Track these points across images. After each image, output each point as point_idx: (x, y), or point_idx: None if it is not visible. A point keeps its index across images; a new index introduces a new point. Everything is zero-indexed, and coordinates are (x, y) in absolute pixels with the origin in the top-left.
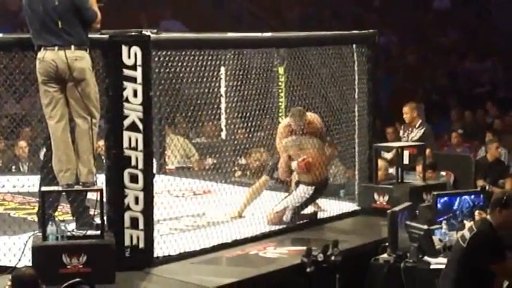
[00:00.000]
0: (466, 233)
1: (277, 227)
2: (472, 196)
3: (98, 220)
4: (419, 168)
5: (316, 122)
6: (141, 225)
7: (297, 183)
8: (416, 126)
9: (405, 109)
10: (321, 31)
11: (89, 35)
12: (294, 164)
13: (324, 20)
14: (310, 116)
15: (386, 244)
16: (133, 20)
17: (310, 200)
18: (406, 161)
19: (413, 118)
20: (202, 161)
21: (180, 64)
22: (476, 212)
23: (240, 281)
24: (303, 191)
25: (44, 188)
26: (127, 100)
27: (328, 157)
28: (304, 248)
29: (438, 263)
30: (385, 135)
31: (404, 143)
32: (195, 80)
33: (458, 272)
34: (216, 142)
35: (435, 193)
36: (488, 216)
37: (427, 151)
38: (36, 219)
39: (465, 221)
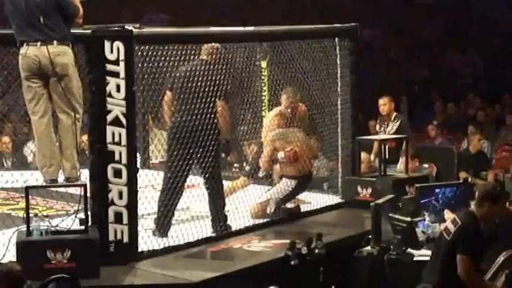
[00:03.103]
0: (450, 226)
1: (261, 221)
2: (454, 188)
3: (82, 215)
4: (402, 160)
5: (306, 112)
6: (125, 220)
7: (280, 177)
8: (392, 119)
9: (383, 101)
10: (303, 24)
11: (72, 30)
12: (281, 154)
13: (306, 13)
14: (301, 105)
15: (370, 236)
16: (116, 14)
17: (294, 193)
18: (386, 154)
19: (391, 110)
20: None
21: (163, 59)
22: (445, 211)
23: (225, 274)
24: (286, 184)
25: (28, 184)
26: (110, 95)
27: (312, 150)
28: (288, 241)
29: (421, 255)
30: (367, 128)
31: (387, 136)
32: (178, 74)
33: (444, 264)
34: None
35: (418, 185)
36: (473, 208)
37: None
38: (20, 214)
39: (446, 210)
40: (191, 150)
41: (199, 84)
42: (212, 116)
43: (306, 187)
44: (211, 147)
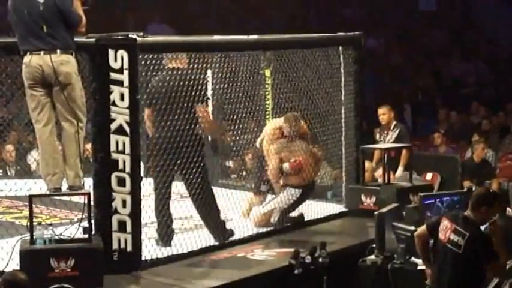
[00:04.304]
0: (456, 238)
1: (264, 229)
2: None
3: (85, 224)
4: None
5: (306, 128)
6: (128, 229)
7: (284, 186)
8: (391, 128)
9: (382, 110)
10: (306, 33)
11: (76, 39)
12: (286, 166)
13: (309, 22)
14: (303, 125)
15: (374, 245)
16: (121, 23)
17: (298, 202)
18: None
19: (391, 119)
20: None
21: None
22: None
23: (228, 283)
24: (290, 194)
25: (31, 193)
26: (114, 104)
27: (316, 160)
28: (292, 250)
29: None
30: (372, 136)
31: (391, 145)
32: (182, 83)
33: (457, 276)
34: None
35: (422, 194)
36: (469, 213)
37: (403, 152)
38: (23, 223)
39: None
40: (173, 161)
41: (172, 94)
42: (191, 123)
43: (309, 196)
44: (192, 155)
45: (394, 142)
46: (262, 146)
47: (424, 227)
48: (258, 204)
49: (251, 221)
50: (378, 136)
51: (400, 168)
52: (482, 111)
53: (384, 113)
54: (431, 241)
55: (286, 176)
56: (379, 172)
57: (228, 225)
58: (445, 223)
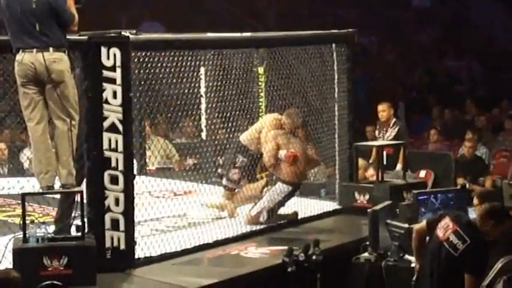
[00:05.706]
0: (456, 241)
1: (258, 227)
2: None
3: (78, 222)
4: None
5: (305, 133)
6: (121, 227)
7: (275, 181)
8: (391, 125)
9: (382, 107)
10: (299, 30)
11: (68, 37)
12: (282, 153)
13: (302, 19)
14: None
15: (368, 243)
16: (114, 21)
17: (286, 199)
18: (384, 160)
19: (390, 116)
20: (182, 161)
21: (159, 65)
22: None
23: (222, 281)
24: (280, 190)
25: (24, 191)
26: (106, 101)
27: (311, 163)
28: (285, 247)
29: None
30: (364, 133)
31: (385, 142)
32: (174, 80)
33: (447, 277)
34: (196, 142)
35: (415, 191)
36: (475, 218)
37: (402, 149)
38: (16, 221)
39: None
40: None
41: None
42: None
43: (294, 195)
44: None
45: (393, 139)
46: (261, 136)
47: (424, 222)
48: (228, 199)
49: (243, 220)
50: (377, 133)
51: (399, 166)
52: (473, 108)
53: (383, 110)
54: (428, 238)
55: (279, 164)
56: (370, 171)
57: (218, 225)
58: (447, 221)
